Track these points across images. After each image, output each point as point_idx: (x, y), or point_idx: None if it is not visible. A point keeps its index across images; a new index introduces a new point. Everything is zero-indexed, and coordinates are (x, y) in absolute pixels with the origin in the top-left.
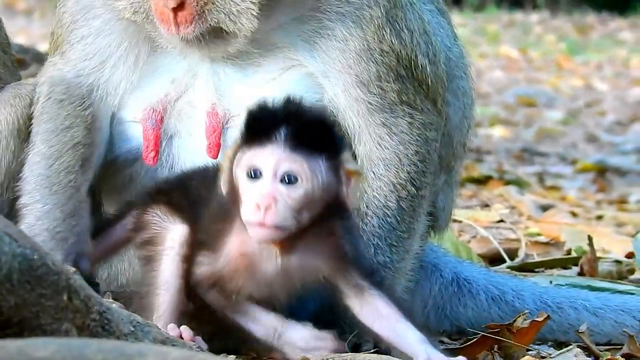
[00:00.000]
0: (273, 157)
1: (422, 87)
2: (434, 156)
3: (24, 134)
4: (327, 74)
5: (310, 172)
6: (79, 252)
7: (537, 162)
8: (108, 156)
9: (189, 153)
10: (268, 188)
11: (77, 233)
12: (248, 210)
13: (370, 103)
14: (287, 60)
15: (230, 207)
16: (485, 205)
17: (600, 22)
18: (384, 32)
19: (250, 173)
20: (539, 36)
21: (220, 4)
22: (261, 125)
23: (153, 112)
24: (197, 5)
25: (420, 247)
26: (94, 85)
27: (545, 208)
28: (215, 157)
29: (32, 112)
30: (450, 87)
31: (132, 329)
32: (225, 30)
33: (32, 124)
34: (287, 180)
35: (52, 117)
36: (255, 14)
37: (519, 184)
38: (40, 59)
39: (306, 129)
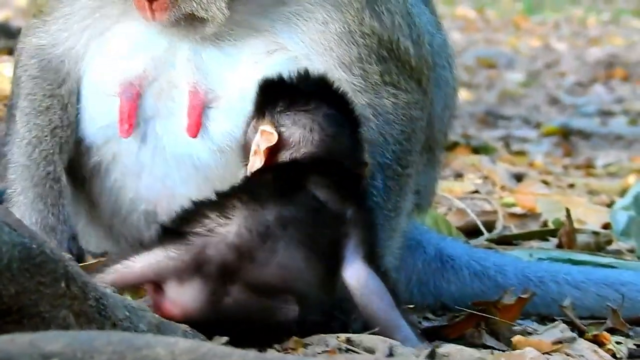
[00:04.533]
0: None
1: (406, 67)
2: (419, 135)
3: None
4: (310, 57)
5: None
6: (69, 237)
7: (501, 125)
8: (88, 131)
9: (171, 133)
10: None
11: (63, 220)
12: None
13: (353, 84)
14: (270, 44)
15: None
16: (458, 175)
17: None
18: (364, 15)
19: None
20: None
21: None
22: None
23: (130, 86)
24: None
25: (407, 225)
26: (68, 55)
27: (517, 177)
28: (195, 136)
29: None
30: (432, 76)
31: (127, 314)
32: (199, 17)
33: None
34: None
35: (30, 94)
36: (225, 1)
37: (487, 149)
38: (8, 32)
39: None
